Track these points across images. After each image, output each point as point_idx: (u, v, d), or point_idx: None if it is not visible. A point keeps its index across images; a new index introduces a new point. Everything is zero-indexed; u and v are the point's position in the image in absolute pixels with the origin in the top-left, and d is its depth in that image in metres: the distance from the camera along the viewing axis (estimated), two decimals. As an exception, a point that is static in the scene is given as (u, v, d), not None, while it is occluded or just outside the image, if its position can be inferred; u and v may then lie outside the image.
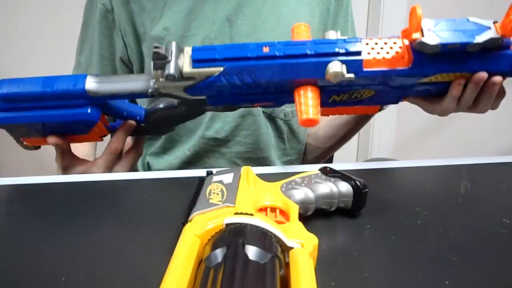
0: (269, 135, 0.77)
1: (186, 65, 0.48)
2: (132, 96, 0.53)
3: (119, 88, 0.52)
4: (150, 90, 0.51)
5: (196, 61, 0.48)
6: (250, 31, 0.71)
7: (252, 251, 0.25)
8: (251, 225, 0.29)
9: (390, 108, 0.66)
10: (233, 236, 0.27)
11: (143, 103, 0.75)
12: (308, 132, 0.84)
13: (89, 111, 0.52)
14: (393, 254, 0.37)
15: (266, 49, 0.48)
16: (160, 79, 0.49)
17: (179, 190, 0.49)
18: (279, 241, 0.28)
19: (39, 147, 0.60)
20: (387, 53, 0.48)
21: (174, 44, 0.49)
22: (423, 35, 0.45)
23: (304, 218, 0.38)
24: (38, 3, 1.39)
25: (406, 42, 0.48)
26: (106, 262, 0.36)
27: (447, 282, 0.32)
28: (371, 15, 1.63)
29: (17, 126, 0.53)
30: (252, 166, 0.43)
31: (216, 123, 0.74)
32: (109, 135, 0.59)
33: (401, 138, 1.77)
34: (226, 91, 0.50)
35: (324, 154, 0.84)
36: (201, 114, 0.59)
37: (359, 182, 0.40)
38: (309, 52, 0.47)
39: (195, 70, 0.48)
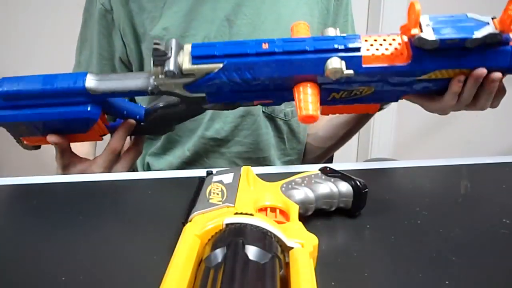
0: (269, 135, 0.77)
1: (185, 62, 0.48)
2: (132, 94, 0.53)
3: (119, 85, 0.52)
4: (150, 88, 0.51)
5: (196, 58, 0.48)
6: (250, 31, 0.71)
7: (252, 251, 0.25)
8: (251, 225, 0.29)
9: (390, 108, 0.66)
10: (233, 236, 0.27)
11: (143, 103, 0.75)
12: (308, 132, 0.84)
13: (89, 109, 0.52)
14: (393, 254, 0.37)
15: (265, 46, 0.48)
16: (160, 76, 0.49)
17: (179, 190, 0.49)
18: (279, 241, 0.28)
19: (39, 147, 0.60)
20: (386, 49, 0.48)
21: (174, 41, 0.49)
22: (421, 31, 0.45)
23: (304, 218, 0.38)
24: (38, 3, 1.39)
25: (405, 38, 0.48)
26: (106, 262, 0.36)
27: (447, 282, 0.32)
28: (371, 15, 1.63)
29: (18, 124, 0.54)
30: (252, 166, 0.43)
31: (216, 123, 0.74)
32: (109, 135, 0.59)
33: (401, 138, 1.77)
34: (226, 88, 0.50)
35: (324, 154, 0.84)
36: (201, 113, 0.59)
37: (359, 182, 0.40)
38: (308, 49, 0.47)
39: (195, 66, 0.48)
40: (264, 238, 0.27)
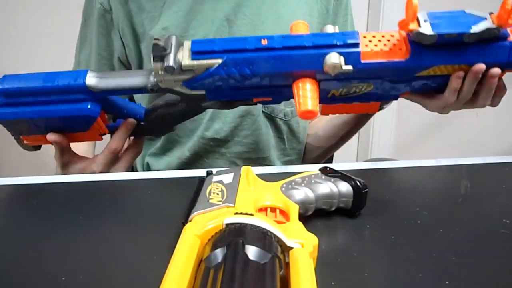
0: (268, 135, 0.77)
1: (185, 58, 0.48)
2: (132, 91, 0.53)
3: (119, 83, 0.52)
4: (149, 85, 0.51)
5: (195, 53, 0.48)
6: (250, 31, 0.71)
7: (252, 251, 0.25)
8: (251, 225, 0.29)
9: (390, 108, 0.66)
10: (233, 236, 0.27)
11: (142, 104, 0.75)
12: (308, 132, 0.84)
13: (89, 106, 0.52)
14: (393, 254, 0.37)
15: (264, 42, 0.48)
16: (160, 72, 0.49)
17: (179, 190, 0.49)
18: (279, 241, 0.28)
19: (39, 147, 0.60)
20: (385, 45, 0.48)
21: (174, 37, 0.49)
22: (419, 26, 0.45)
23: (304, 218, 0.38)
24: (38, 3, 1.39)
25: (404, 34, 0.48)
26: (106, 262, 0.36)
27: (447, 282, 0.32)
28: (371, 15, 1.63)
29: (18, 122, 0.54)
30: (252, 166, 0.43)
31: (215, 124, 0.74)
32: (109, 135, 0.59)
33: (401, 138, 1.77)
34: (225, 85, 0.50)
35: (324, 154, 0.84)
36: (200, 112, 0.59)
37: (359, 182, 0.40)
38: (307, 44, 0.47)
39: (195, 62, 0.48)
40: (264, 238, 0.27)
